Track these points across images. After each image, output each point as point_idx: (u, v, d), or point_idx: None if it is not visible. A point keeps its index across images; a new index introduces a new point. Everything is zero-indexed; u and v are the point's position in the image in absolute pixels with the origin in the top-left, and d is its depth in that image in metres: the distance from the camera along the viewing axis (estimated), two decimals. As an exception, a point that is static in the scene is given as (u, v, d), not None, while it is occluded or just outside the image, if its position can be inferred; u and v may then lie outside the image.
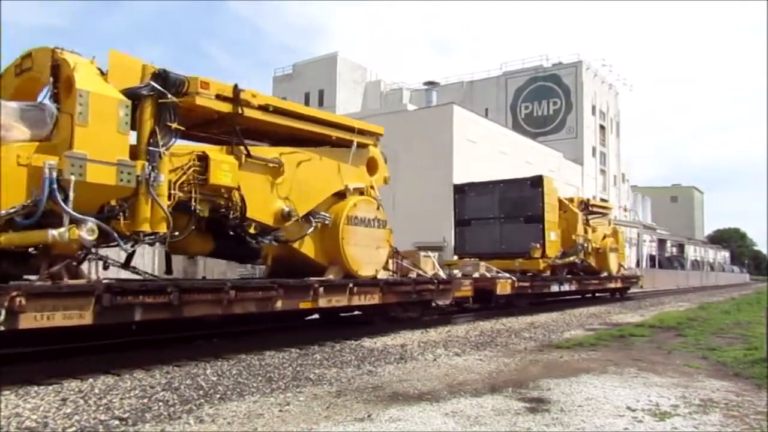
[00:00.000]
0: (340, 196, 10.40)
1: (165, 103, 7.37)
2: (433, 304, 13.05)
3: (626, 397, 6.04)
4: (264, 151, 9.17)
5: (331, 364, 7.72)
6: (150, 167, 7.09)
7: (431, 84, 46.40)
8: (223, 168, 8.04)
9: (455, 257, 18.61)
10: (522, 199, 18.12)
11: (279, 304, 8.53)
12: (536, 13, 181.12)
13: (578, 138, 50.18)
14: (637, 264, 50.14)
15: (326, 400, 5.74)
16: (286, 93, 57.19)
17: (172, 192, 7.47)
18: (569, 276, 19.22)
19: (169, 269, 9.24)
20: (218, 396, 5.83)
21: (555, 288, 17.92)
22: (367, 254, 10.51)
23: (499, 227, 18.61)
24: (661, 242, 65.15)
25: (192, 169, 7.82)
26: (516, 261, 17.15)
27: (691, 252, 69.85)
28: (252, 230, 8.66)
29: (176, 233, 7.63)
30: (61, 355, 7.38)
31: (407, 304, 11.74)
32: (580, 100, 50.45)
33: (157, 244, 7.74)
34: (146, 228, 7.14)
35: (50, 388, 5.87)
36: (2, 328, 5.66)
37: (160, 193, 7.21)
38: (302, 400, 5.77)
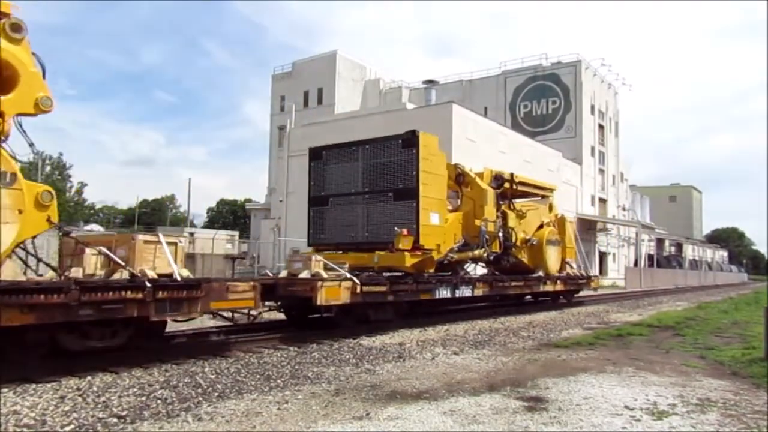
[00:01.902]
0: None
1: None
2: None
3: (624, 396, 6.05)
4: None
5: (330, 362, 7.73)
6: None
7: (430, 83, 46.30)
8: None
9: (310, 248, 13.40)
10: (392, 165, 12.56)
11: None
12: (535, 12, 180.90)
13: (577, 137, 50.13)
14: (635, 263, 50.18)
15: (325, 399, 5.75)
16: (286, 91, 57.19)
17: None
18: (472, 278, 14.05)
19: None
20: (216, 394, 5.83)
21: (444, 293, 12.45)
22: None
23: (363, 206, 12.85)
24: (660, 241, 65.23)
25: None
26: (375, 255, 12.00)
27: (690, 251, 69.93)
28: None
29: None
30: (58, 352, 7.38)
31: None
32: (579, 100, 50.41)
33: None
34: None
35: (48, 385, 5.88)
36: None
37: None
38: (300, 398, 5.77)
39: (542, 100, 52.45)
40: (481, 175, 15.35)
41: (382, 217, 12.53)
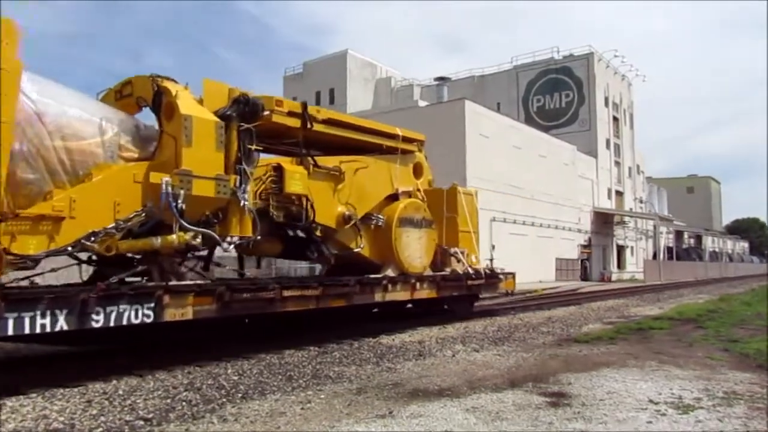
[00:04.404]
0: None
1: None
2: None
3: (648, 391, 6.00)
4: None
5: (351, 361, 7.75)
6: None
7: (442, 80, 46.17)
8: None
9: None
10: None
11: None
12: (546, 6, 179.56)
13: (591, 130, 49.69)
14: (654, 256, 49.68)
15: (347, 398, 5.77)
16: (297, 92, 57.27)
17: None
18: (154, 286, 7.04)
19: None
20: (240, 395, 5.88)
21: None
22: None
23: None
24: (678, 234, 64.50)
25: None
26: None
27: (709, 243, 69.15)
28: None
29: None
30: (84, 357, 7.49)
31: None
32: (592, 92, 49.97)
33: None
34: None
35: (75, 390, 5.96)
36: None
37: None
38: (323, 398, 5.80)
39: (555, 94, 52.07)
40: (201, 101, 8.05)
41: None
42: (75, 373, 6.55)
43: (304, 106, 9.37)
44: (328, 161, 10.00)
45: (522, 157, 36.90)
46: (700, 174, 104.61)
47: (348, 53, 55.38)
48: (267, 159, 9.35)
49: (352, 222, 10.12)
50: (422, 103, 37.66)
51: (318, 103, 54.88)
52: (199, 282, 7.64)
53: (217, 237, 7.79)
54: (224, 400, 5.69)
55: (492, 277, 13.63)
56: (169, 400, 5.60)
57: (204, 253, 8.72)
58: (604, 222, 48.83)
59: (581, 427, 4.78)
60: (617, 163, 54.44)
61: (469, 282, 12.57)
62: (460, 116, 32.70)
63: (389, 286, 10.49)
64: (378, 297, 10.25)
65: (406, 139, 11.97)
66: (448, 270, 12.43)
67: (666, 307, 17.12)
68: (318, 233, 9.52)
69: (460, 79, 54.93)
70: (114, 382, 6.30)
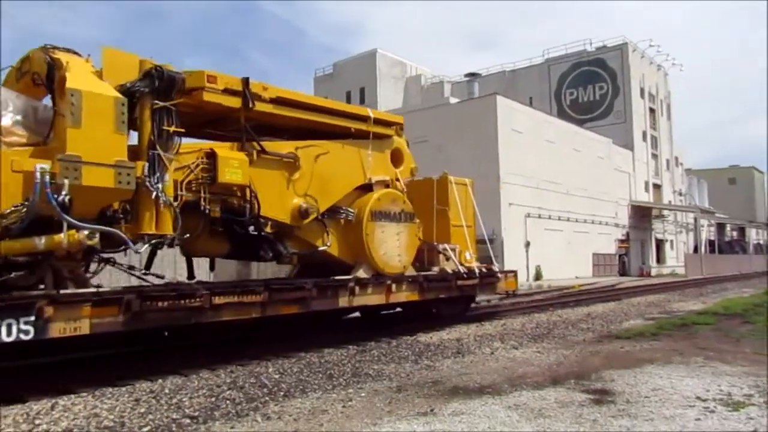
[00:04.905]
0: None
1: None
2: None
3: (695, 387, 5.86)
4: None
5: (389, 359, 7.78)
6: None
7: (472, 75, 45.85)
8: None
9: None
10: None
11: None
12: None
13: (627, 122, 48.61)
14: (695, 250, 48.39)
15: (387, 396, 5.79)
16: (328, 93, 57.66)
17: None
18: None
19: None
20: (282, 393, 5.96)
21: None
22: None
23: None
24: (720, 226, 62.63)
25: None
26: None
27: (753, 235, 66.94)
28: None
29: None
30: (127, 358, 7.70)
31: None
32: (627, 83, 48.91)
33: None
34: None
35: (123, 389, 6.13)
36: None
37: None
38: (364, 396, 5.83)
39: (588, 87, 51.12)
40: (100, 74, 6.92)
41: None
42: (123, 373, 6.74)
43: (245, 82, 7.95)
44: (281, 147, 8.69)
45: (556, 152, 36.36)
46: (742, 164, 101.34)
47: (377, 52, 55.46)
48: (200, 144, 8.18)
49: (311, 216, 8.78)
50: (453, 100, 37.39)
51: (349, 101, 55.08)
52: (98, 290, 6.41)
53: (123, 236, 6.55)
54: (267, 398, 5.78)
55: (488, 276, 11.92)
56: (213, 399, 5.71)
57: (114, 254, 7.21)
58: (642, 216, 47.76)
59: (627, 424, 4.70)
60: (654, 156, 53.17)
61: (460, 282, 11.05)
62: (492, 112, 32.39)
63: (357, 289, 9.03)
64: (343, 302, 8.84)
65: (380, 122, 10.42)
66: (435, 269, 11.09)
67: (709, 302, 16.67)
68: (268, 229, 8.27)
69: (490, 75, 54.43)
70: (160, 381, 6.46)
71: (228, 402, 5.61)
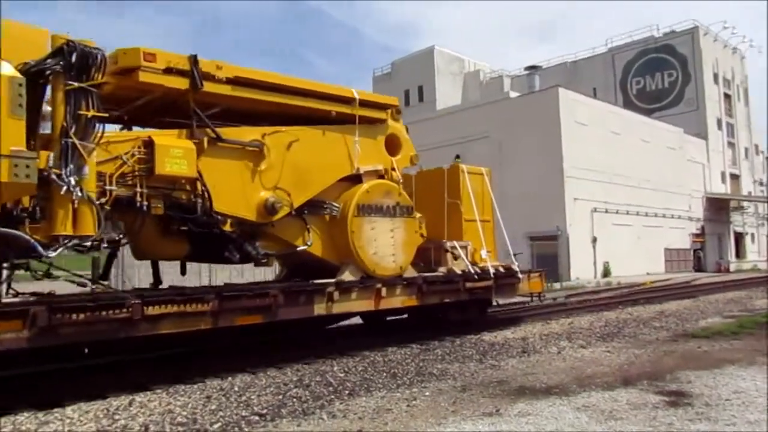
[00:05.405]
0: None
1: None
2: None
3: (782, 390, 5.50)
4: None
5: (453, 359, 7.71)
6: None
7: (533, 68, 44.77)
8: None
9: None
10: None
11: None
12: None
13: (699, 110, 46.24)
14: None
15: (452, 395, 5.74)
16: (387, 92, 57.36)
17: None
18: None
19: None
20: (347, 392, 6.02)
21: None
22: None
23: None
24: (807, 217, 58.56)
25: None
26: None
27: None
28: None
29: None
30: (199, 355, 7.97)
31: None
32: (699, 69, 46.52)
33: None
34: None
35: (195, 386, 6.36)
36: None
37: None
38: (428, 395, 5.81)
39: (656, 74, 48.97)
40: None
41: None
42: (194, 371, 6.99)
43: (193, 59, 6.99)
44: (245, 134, 7.68)
45: (622, 144, 35.05)
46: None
47: (435, 49, 55.12)
48: (137, 132, 7.26)
49: (282, 212, 7.76)
50: (513, 95, 36.67)
51: (407, 101, 55.14)
52: None
53: (28, 238, 5.64)
54: (332, 396, 5.85)
55: (506, 277, 10.43)
56: (280, 397, 5.83)
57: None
58: (718, 208, 45.35)
59: (706, 428, 4.46)
60: (731, 144, 50.31)
61: (469, 284, 9.66)
62: (554, 105, 31.59)
63: (336, 294, 7.91)
64: (320, 309, 7.75)
65: (369, 104, 9.11)
66: (442, 270, 9.80)
67: (796, 299, 15.62)
68: (228, 228, 7.31)
69: (551, 67, 53.01)
70: (230, 378, 6.65)
71: (294, 400, 5.72)
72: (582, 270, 30.22)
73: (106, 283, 7.41)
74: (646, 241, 35.22)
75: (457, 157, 10.38)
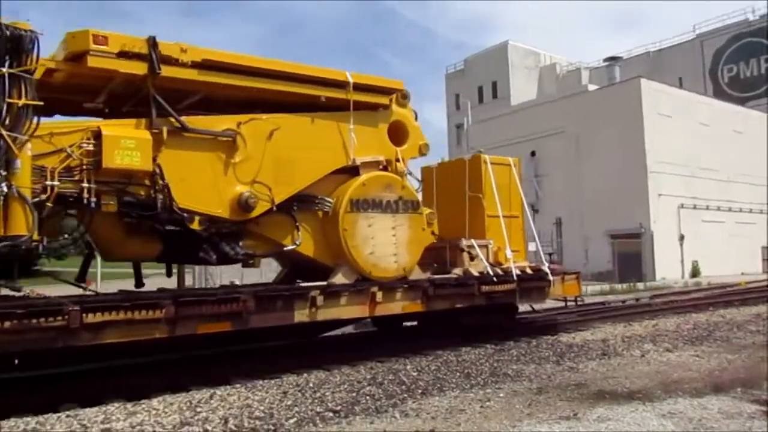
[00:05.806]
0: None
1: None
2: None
3: None
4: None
5: (529, 360, 7.53)
6: None
7: (613, 59, 42.91)
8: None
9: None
10: None
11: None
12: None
13: (800, 97, 42.89)
14: None
15: (527, 397, 5.61)
16: (460, 89, 57.35)
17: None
18: None
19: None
20: (420, 391, 6.00)
21: None
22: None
23: None
24: None
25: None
26: None
27: None
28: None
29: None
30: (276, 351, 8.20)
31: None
32: (800, 53, 43.14)
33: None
34: None
35: (272, 381, 6.55)
36: None
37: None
38: (502, 396, 5.70)
39: (751, 61, 45.70)
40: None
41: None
42: (271, 366, 7.20)
43: (152, 41, 6.36)
44: (217, 122, 7.01)
45: (712, 135, 32.95)
46: None
47: (509, 44, 54.05)
48: (86, 122, 6.48)
49: (260, 208, 7.08)
50: (591, 87, 35.32)
51: (481, 97, 54.43)
52: None
53: None
54: (405, 395, 5.85)
55: (532, 279, 9.30)
56: (354, 394, 5.90)
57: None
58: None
59: (809, 441, 4.11)
60: (840, 133, 46.19)
61: (486, 288, 8.64)
62: (636, 96, 30.17)
63: (321, 299, 7.11)
64: (302, 316, 7.00)
65: (366, 88, 8.12)
66: (456, 271, 8.83)
67: None
68: (197, 225, 6.68)
69: (632, 57, 50.64)
70: (305, 375, 6.81)
71: (368, 397, 5.76)
72: (668, 270, 28.72)
73: (83, 285, 6.95)
74: (740, 239, 32.96)
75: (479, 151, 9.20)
